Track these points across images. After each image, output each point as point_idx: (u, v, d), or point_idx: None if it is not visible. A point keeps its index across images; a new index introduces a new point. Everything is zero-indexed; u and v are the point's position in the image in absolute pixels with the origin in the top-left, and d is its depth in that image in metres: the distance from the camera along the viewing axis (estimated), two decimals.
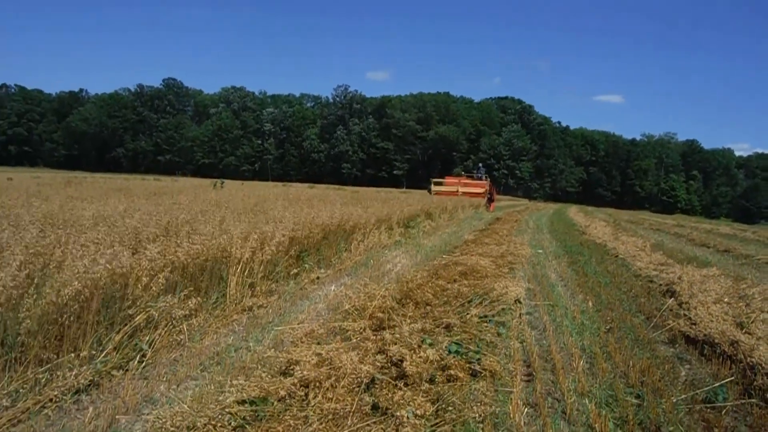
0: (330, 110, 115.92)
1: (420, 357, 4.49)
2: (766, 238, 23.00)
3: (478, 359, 4.76)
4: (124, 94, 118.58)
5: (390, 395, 3.87)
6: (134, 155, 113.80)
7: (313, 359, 4.33)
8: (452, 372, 4.39)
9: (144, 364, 4.54)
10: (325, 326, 5.58)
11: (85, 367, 4.16)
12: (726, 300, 7.39)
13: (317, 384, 3.94)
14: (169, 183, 32.52)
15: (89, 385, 4.06)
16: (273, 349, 4.82)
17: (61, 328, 4.33)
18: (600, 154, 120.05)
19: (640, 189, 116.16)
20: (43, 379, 3.93)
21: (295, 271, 8.15)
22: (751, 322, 6.24)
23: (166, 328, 5.06)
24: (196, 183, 36.84)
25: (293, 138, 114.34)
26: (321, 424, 3.43)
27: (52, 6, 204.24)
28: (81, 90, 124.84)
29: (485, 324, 5.84)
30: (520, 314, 6.67)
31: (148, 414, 3.59)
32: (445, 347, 4.89)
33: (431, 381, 4.26)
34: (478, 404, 3.91)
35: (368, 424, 3.48)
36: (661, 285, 9.04)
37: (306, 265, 8.49)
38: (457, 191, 34.50)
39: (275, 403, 3.67)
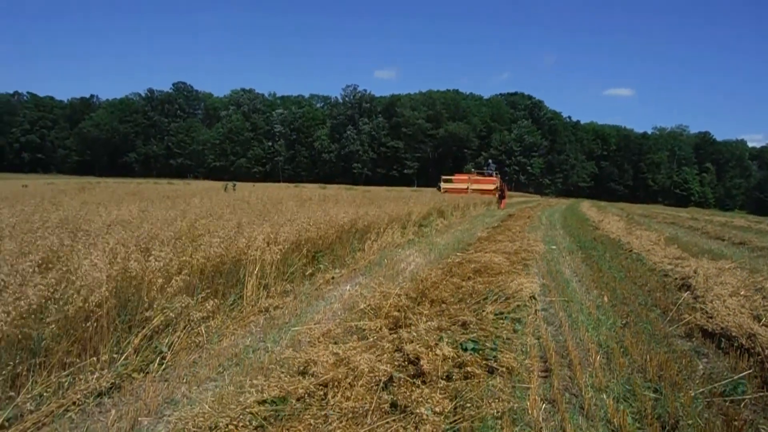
0: (339, 110, 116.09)
1: (437, 355, 4.52)
2: None
3: (495, 356, 4.77)
4: (134, 99, 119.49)
5: (408, 393, 3.89)
6: (146, 159, 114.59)
7: (330, 359, 4.36)
8: (469, 369, 4.41)
9: (164, 366, 4.59)
10: (341, 326, 5.61)
11: (106, 371, 4.22)
12: (742, 293, 7.34)
13: (336, 383, 3.97)
14: (182, 186, 32.75)
15: (111, 387, 4.12)
16: (290, 350, 4.86)
17: (84, 333, 4.39)
18: (611, 148, 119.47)
19: (652, 182, 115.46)
20: (66, 383, 3.98)
21: (310, 271, 8.20)
22: None
23: (184, 331, 5.11)
24: (208, 186, 37.06)
25: (303, 139, 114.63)
26: (341, 422, 3.46)
27: (61, 14, 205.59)
28: (92, 96, 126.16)
29: (501, 321, 5.85)
30: (535, 310, 6.68)
31: (169, 415, 3.64)
32: (462, 344, 4.91)
33: (448, 378, 4.28)
34: (496, 400, 3.93)
35: (388, 422, 3.51)
36: (676, 279, 9.00)
37: (321, 266, 8.54)
38: (467, 189, 34.15)
39: (295, 402, 3.71)
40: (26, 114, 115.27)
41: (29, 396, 3.72)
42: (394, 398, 3.83)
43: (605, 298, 7.58)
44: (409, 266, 9.42)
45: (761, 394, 4.48)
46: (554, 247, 13.05)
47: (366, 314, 5.96)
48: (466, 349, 4.83)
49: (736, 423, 3.89)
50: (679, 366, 5.02)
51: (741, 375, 4.77)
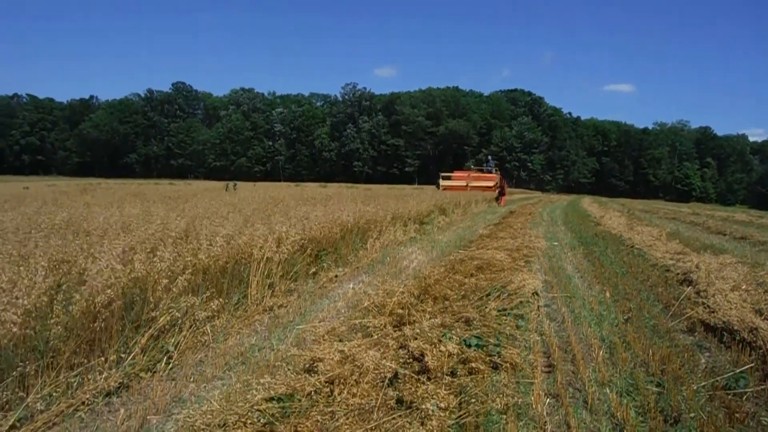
0: (339, 108, 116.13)
1: (441, 351, 4.56)
2: None
3: (498, 352, 4.81)
4: (134, 99, 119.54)
5: (413, 389, 3.94)
6: (146, 160, 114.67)
7: (336, 356, 4.41)
8: (473, 365, 4.45)
9: (171, 365, 4.64)
10: (345, 324, 5.65)
11: (114, 370, 4.27)
12: (744, 287, 7.37)
13: (342, 380, 4.01)
14: (183, 187, 32.80)
15: (119, 387, 4.16)
16: (296, 348, 4.90)
17: (91, 333, 4.43)
18: (612, 144, 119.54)
19: (653, 178, 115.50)
20: (75, 383, 4.03)
21: (314, 270, 8.24)
22: None
23: (190, 330, 5.15)
24: (209, 186, 37.11)
25: (304, 138, 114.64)
26: (348, 419, 3.50)
27: (60, 14, 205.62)
28: (91, 97, 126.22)
29: (504, 317, 5.89)
30: (538, 306, 6.72)
31: (178, 414, 3.68)
32: (465, 341, 4.96)
33: (453, 374, 4.32)
34: (501, 395, 3.97)
35: (394, 418, 3.55)
36: (678, 274, 9.03)
37: (324, 264, 8.58)
38: (467, 186, 33.63)
39: (302, 399, 3.75)
40: (26, 116, 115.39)
41: (39, 396, 3.76)
42: (400, 394, 3.88)
43: (607, 294, 7.61)
44: (411, 264, 9.46)
45: (763, 387, 4.51)
46: (556, 243, 13.09)
47: (370, 312, 6.00)
48: (469, 346, 4.87)
49: (738, 415, 3.94)
50: (681, 360, 5.06)
51: (743, 368, 4.81)
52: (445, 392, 3.91)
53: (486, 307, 6.13)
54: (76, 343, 4.31)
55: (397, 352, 4.69)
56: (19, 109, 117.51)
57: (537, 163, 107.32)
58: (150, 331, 4.82)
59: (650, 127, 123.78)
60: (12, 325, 3.88)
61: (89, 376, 4.08)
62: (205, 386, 4.26)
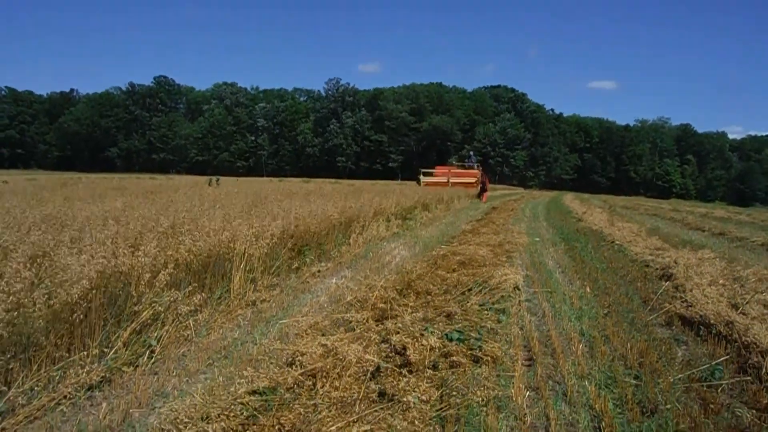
0: (322, 104, 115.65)
1: (423, 345, 4.61)
2: (760, 221, 23.20)
3: (480, 346, 4.87)
4: (115, 93, 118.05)
5: (395, 382, 3.98)
6: (128, 154, 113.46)
7: (318, 350, 4.44)
8: (455, 358, 4.51)
9: (153, 359, 4.64)
10: (328, 318, 5.68)
11: (96, 364, 4.26)
12: (721, 282, 7.51)
13: (324, 374, 4.04)
14: (165, 181, 32.53)
15: (101, 381, 4.15)
16: (279, 342, 4.92)
17: (71, 327, 4.42)
18: (594, 141, 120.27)
19: (635, 174, 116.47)
20: (57, 377, 4.02)
21: (296, 265, 8.25)
22: (746, 303, 6.35)
23: (173, 324, 5.15)
24: (192, 180, 36.84)
25: (287, 133, 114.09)
26: (330, 411, 3.54)
27: (39, 7, 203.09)
28: (72, 90, 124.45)
29: (485, 311, 5.95)
30: (519, 301, 6.78)
31: (161, 407, 3.69)
32: (447, 335, 5.01)
33: (435, 368, 4.38)
34: (482, 388, 4.02)
35: (376, 410, 3.59)
36: (657, 269, 9.16)
37: (306, 259, 8.59)
38: (448, 182, 33.23)
39: (284, 392, 3.78)
40: (5, 109, 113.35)
41: (20, 390, 3.75)
42: (382, 387, 3.92)
43: (587, 289, 7.70)
44: (394, 259, 9.50)
45: (738, 379, 4.61)
46: (537, 239, 13.19)
47: (353, 306, 6.04)
48: (451, 339, 4.92)
49: (712, 406, 4.02)
50: (658, 353, 5.15)
51: (718, 361, 4.90)
52: (427, 385, 3.96)
53: (468, 302, 6.19)
54: (57, 337, 4.30)
55: (379, 346, 4.73)
56: None
57: (520, 159, 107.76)
58: (132, 325, 4.81)
59: (632, 124, 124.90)
60: None
61: (71, 370, 4.08)
62: (187, 380, 4.27)
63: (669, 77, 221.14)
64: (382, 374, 4.17)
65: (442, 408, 3.72)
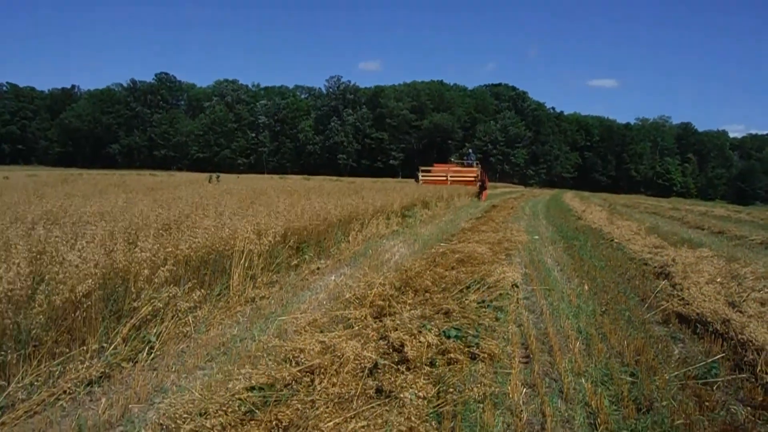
0: (323, 101, 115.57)
1: (420, 342, 4.63)
2: (759, 219, 23.18)
3: (477, 343, 4.90)
4: (116, 89, 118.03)
5: (393, 379, 4.01)
6: (129, 151, 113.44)
7: (316, 347, 4.46)
8: (452, 355, 4.54)
9: (153, 355, 4.67)
10: (327, 315, 5.71)
11: (95, 360, 4.30)
12: (719, 280, 7.53)
13: (322, 370, 4.07)
14: (165, 178, 32.60)
15: (101, 376, 4.19)
16: (277, 338, 4.95)
17: (71, 323, 4.45)
18: (595, 139, 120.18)
19: (635, 173, 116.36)
20: (57, 372, 4.05)
21: (296, 262, 8.28)
22: (743, 301, 6.38)
23: (172, 321, 5.18)
24: (192, 177, 36.89)
25: (288, 130, 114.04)
26: (327, 407, 3.56)
27: (41, 3, 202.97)
28: (73, 86, 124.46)
29: (483, 309, 5.98)
30: (517, 299, 6.82)
31: (160, 402, 3.72)
32: (445, 332, 5.03)
33: (432, 364, 4.40)
34: (478, 385, 4.05)
35: (373, 407, 3.61)
36: (655, 267, 9.18)
37: (306, 256, 8.62)
38: (446, 179, 32.65)
39: (282, 389, 3.81)
40: (6, 105, 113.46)
41: (20, 385, 3.78)
42: (379, 384, 3.94)
43: (585, 287, 7.73)
44: (393, 257, 9.53)
45: (733, 376, 4.64)
46: (537, 237, 13.21)
47: (351, 303, 6.06)
48: (449, 337, 4.95)
49: (708, 404, 4.05)
50: (655, 351, 5.18)
51: (714, 358, 4.93)
52: (424, 382, 3.98)
53: (466, 299, 6.21)
54: (57, 333, 4.33)
55: (377, 343, 4.76)
56: None
57: (520, 157, 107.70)
58: (132, 321, 4.84)
59: (632, 123, 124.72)
60: None
61: (71, 366, 4.11)
62: (186, 376, 4.30)
63: (670, 76, 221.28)
64: (379, 371, 4.20)
65: (438, 404, 3.75)
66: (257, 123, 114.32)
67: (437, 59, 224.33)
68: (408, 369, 4.24)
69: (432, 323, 5.24)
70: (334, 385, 3.87)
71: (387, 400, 3.73)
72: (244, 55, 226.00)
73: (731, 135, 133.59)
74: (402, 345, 4.58)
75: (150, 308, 5.03)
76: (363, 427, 3.35)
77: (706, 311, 6.07)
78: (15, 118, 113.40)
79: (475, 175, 33.96)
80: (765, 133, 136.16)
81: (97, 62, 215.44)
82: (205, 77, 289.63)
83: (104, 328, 4.67)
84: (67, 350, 4.27)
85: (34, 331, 4.16)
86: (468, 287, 6.75)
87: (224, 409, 3.44)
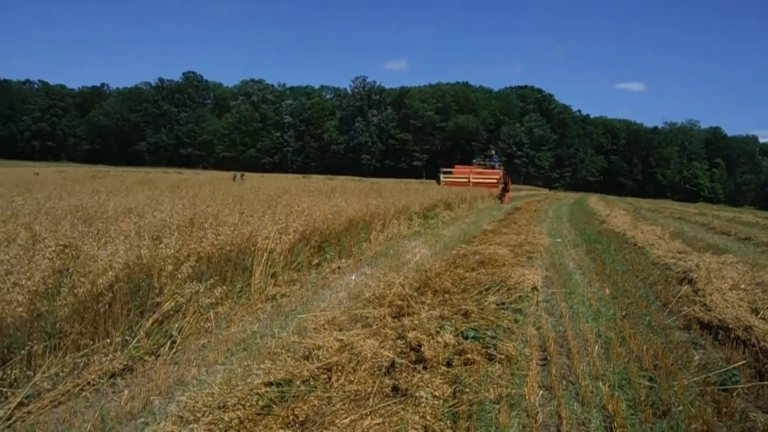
0: (349, 102, 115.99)
1: (438, 342, 4.66)
2: None
3: (495, 344, 4.90)
4: (144, 88, 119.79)
5: (409, 378, 4.04)
6: (156, 149, 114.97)
7: (335, 344, 4.51)
8: (469, 356, 4.55)
9: (174, 350, 4.76)
10: (346, 314, 5.76)
11: (119, 353, 4.39)
12: (743, 286, 7.44)
13: (339, 367, 4.12)
14: (191, 176, 32.94)
15: (124, 369, 4.29)
16: (296, 336, 5.00)
17: (95, 316, 4.55)
18: (621, 143, 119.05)
19: (662, 177, 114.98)
20: (81, 364, 4.16)
21: (317, 261, 8.34)
22: (766, 308, 6.30)
23: (194, 316, 5.27)
24: (217, 176, 37.24)
25: (313, 130, 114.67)
26: (344, 404, 3.61)
27: (74, 2, 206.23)
28: (103, 85, 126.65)
29: (502, 311, 5.98)
30: (537, 301, 6.80)
31: (180, 395, 3.79)
32: (463, 333, 5.05)
33: (449, 364, 4.42)
34: (495, 386, 4.06)
35: (388, 405, 3.65)
36: (678, 272, 9.08)
37: (327, 256, 8.68)
38: (468, 181, 32.15)
39: (300, 385, 3.86)
40: (37, 102, 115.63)
41: (46, 375, 3.88)
42: (396, 382, 3.98)
43: (607, 291, 7.68)
44: (414, 257, 9.55)
45: (754, 383, 4.59)
46: (559, 240, 13.14)
47: (370, 303, 6.10)
48: (467, 337, 4.97)
49: (726, 410, 4.02)
50: (675, 356, 5.14)
51: (735, 365, 4.88)
52: (440, 381, 4.01)
53: (485, 301, 6.22)
54: (82, 325, 4.43)
55: (395, 342, 4.79)
56: (30, 95, 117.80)
57: (545, 160, 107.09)
58: (155, 315, 4.93)
59: (660, 126, 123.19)
60: (17, 305, 3.99)
61: (95, 358, 4.21)
62: (206, 370, 4.37)
63: (699, 79, 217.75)
64: (396, 370, 4.23)
65: (454, 404, 3.77)
66: (282, 122, 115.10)
67: (464, 60, 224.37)
68: (425, 368, 4.27)
69: (450, 324, 5.26)
70: (351, 382, 3.92)
71: (403, 398, 3.76)
72: (270, 54, 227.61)
73: (761, 140, 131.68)
74: (419, 344, 4.61)
75: (173, 303, 5.12)
76: (378, 424, 3.39)
77: (728, 317, 6.01)
78: (46, 115, 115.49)
79: (497, 177, 33.44)
80: None
81: (126, 61, 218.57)
82: (232, 76, 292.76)
83: (128, 322, 4.77)
84: (92, 343, 4.38)
85: (59, 324, 4.26)
86: (488, 289, 6.75)
87: (242, 403, 3.51)
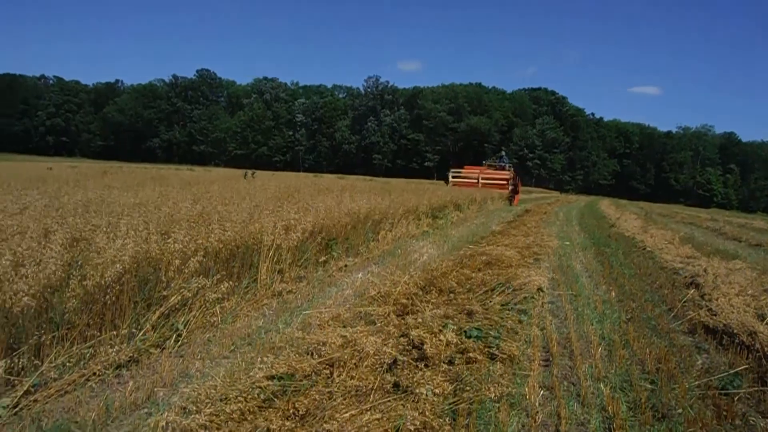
0: (361, 101, 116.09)
1: (440, 340, 4.69)
2: None
3: (498, 344, 4.92)
4: (158, 85, 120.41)
5: (411, 375, 4.07)
6: (168, 146, 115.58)
7: (338, 341, 4.55)
8: (471, 355, 4.58)
9: (180, 343, 4.82)
10: (351, 311, 5.79)
11: (125, 345, 4.46)
12: (750, 292, 7.41)
13: (342, 363, 4.16)
14: (202, 173, 33.06)
15: (129, 361, 4.35)
16: (301, 331, 5.05)
17: (103, 308, 4.62)
18: (634, 147, 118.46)
19: (675, 182, 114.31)
20: (87, 355, 4.22)
21: (324, 258, 8.38)
22: None
23: (200, 310, 5.32)
24: (229, 173, 37.35)
25: (325, 129, 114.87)
26: (345, 399, 3.65)
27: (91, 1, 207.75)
28: (117, 81, 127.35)
29: (507, 311, 5.99)
30: (542, 303, 6.81)
31: (184, 388, 3.84)
32: (466, 332, 5.07)
33: (450, 363, 4.45)
34: (496, 385, 4.08)
35: (389, 400, 3.69)
36: (685, 277, 9.05)
37: (334, 253, 8.72)
38: (477, 182, 31.73)
39: (302, 379, 3.91)
40: (52, 97, 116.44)
41: (53, 365, 3.95)
42: (397, 379, 4.01)
43: (613, 294, 7.68)
44: (422, 257, 9.57)
45: (756, 388, 4.59)
46: (568, 242, 13.12)
47: (375, 301, 6.14)
48: (469, 337, 4.99)
49: (726, 414, 4.02)
50: (677, 359, 5.15)
51: (737, 370, 4.88)
52: (441, 379, 4.04)
53: (490, 301, 6.24)
54: (89, 317, 4.49)
55: (398, 340, 4.83)
56: (45, 90, 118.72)
57: (557, 162, 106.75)
58: (161, 309, 5.00)
59: (674, 131, 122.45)
60: (27, 296, 4.06)
61: (101, 349, 4.28)
62: (210, 364, 4.42)
63: (714, 84, 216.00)
64: (398, 367, 4.27)
65: (454, 402, 3.80)
66: (295, 121, 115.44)
67: (477, 62, 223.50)
68: (426, 366, 4.30)
69: (454, 323, 5.29)
70: (352, 378, 3.96)
71: (403, 394, 3.80)
72: (283, 53, 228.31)
73: None
74: (422, 342, 4.64)
75: (179, 297, 5.18)
76: (377, 419, 3.42)
77: (734, 322, 5.99)
78: (60, 111, 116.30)
79: (507, 178, 33.01)
80: None
81: (141, 58, 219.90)
82: (245, 74, 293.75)
83: (135, 315, 4.84)
84: (99, 334, 4.44)
85: (67, 315, 4.33)
86: (493, 289, 6.77)
87: (244, 395, 3.55)
